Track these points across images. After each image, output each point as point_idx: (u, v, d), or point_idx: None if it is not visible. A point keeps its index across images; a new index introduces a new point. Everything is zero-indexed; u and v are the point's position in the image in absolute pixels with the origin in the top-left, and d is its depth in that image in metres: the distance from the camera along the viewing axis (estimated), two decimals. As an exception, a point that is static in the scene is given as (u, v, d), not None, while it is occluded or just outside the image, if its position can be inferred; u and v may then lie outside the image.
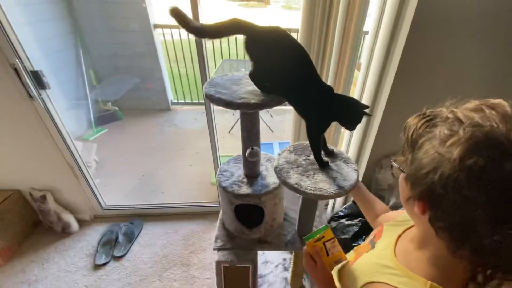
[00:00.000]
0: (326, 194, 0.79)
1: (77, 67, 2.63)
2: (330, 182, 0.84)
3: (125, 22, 2.73)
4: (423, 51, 1.12)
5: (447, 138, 0.36)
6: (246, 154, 0.95)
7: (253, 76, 0.85)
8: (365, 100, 1.32)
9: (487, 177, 0.33)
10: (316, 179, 0.85)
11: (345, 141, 1.50)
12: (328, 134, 1.37)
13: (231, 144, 2.60)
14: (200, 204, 1.88)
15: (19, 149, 1.47)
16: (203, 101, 3.37)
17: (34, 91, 1.27)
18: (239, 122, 0.95)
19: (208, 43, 2.99)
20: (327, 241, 0.59)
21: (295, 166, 0.91)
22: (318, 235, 0.59)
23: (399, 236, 0.54)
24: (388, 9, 1.11)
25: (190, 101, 3.37)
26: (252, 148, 0.95)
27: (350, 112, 0.78)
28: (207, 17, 1.25)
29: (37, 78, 1.27)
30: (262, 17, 9.35)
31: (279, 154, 0.97)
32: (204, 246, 1.64)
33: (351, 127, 0.79)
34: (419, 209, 0.41)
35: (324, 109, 0.79)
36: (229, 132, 2.74)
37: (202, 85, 0.93)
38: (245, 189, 0.99)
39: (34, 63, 1.28)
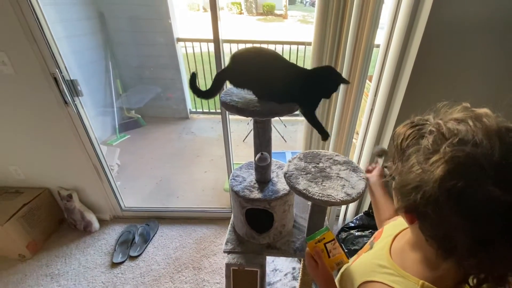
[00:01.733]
0: (333, 200, 0.82)
1: (106, 77, 2.84)
2: (338, 189, 0.86)
3: (151, 36, 2.94)
4: (435, 63, 1.13)
5: (430, 154, 0.37)
6: (256, 159, 1.00)
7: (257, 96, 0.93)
8: (376, 112, 1.33)
9: (465, 201, 0.33)
10: (324, 186, 0.88)
11: (357, 152, 1.51)
12: (340, 144, 1.39)
13: (244, 152, 2.66)
14: (213, 210, 1.93)
15: (51, 150, 1.61)
16: (219, 111, 3.49)
17: (69, 98, 1.40)
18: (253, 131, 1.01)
19: (226, 56, 3.13)
20: (328, 243, 0.61)
21: (304, 173, 0.94)
22: (319, 237, 0.62)
23: (396, 236, 0.56)
24: (399, 22, 1.14)
25: (207, 110, 3.50)
26: (262, 154, 0.99)
27: (326, 86, 0.87)
28: (228, 32, 1.34)
29: (73, 87, 1.41)
30: (280, 31, 9.58)
31: (290, 161, 1.00)
32: (215, 250, 1.68)
33: (330, 95, 0.89)
34: (407, 220, 0.43)
35: (308, 94, 0.87)
36: (243, 140, 2.81)
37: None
38: (256, 194, 1.03)
39: (70, 73, 1.42)
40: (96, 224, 1.84)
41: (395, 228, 0.58)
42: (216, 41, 1.31)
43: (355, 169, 0.95)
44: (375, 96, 1.31)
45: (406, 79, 1.16)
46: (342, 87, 1.24)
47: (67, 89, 1.39)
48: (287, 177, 0.92)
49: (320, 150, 1.06)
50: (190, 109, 3.46)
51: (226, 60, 1.44)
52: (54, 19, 2.00)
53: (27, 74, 1.33)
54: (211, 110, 3.49)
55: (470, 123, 0.37)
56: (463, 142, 0.35)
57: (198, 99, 3.50)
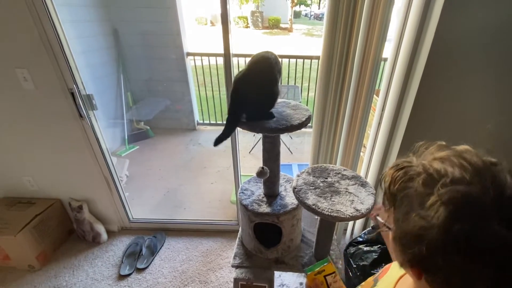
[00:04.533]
0: (342, 216, 0.82)
1: (117, 90, 2.93)
2: (347, 204, 0.86)
3: (162, 51, 3.04)
4: (442, 77, 1.13)
5: (424, 197, 0.35)
6: (256, 173, 1.01)
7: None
8: (384, 126, 1.34)
9: (475, 245, 0.31)
10: (333, 201, 0.88)
11: (365, 164, 1.51)
12: (348, 157, 1.39)
13: (251, 164, 2.67)
14: (219, 222, 1.93)
15: (65, 162, 1.65)
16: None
17: (84, 112, 1.46)
18: (259, 143, 1.03)
19: (235, 69, 3.21)
20: (328, 275, 0.59)
21: (313, 187, 0.95)
22: (318, 268, 0.59)
23: (401, 277, 0.52)
24: (407, 36, 1.16)
25: (214, 122, 3.55)
26: (263, 168, 1.00)
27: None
28: (235, 46, 1.39)
29: (89, 101, 1.47)
30: (286, 43, 9.76)
31: (298, 176, 1.01)
32: (221, 264, 1.67)
33: None
34: (414, 275, 0.39)
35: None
36: (249, 152, 2.83)
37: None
38: (264, 208, 1.04)
39: (86, 87, 1.48)
40: (104, 235, 1.86)
41: (401, 269, 0.55)
42: (227, 54, 1.35)
43: (363, 184, 0.96)
44: (382, 110, 1.33)
45: (414, 92, 1.17)
46: (350, 98, 1.26)
47: (82, 104, 1.44)
48: (296, 191, 0.93)
49: (328, 165, 1.07)
50: (197, 121, 3.52)
51: (235, 73, 1.48)
52: (72, 35, 2.10)
53: (47, 90, 1.40)
54: (218, 122, 3.54)
55: (456, 161, 0.36)
56: (455, 181, 0.34)
57: (205, 111, 3.56)
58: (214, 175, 2.57)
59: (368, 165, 1.48)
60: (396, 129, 1.30)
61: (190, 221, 1.95)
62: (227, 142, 1.69)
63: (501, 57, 1.09)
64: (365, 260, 1.21)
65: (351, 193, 0.91)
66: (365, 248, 1.31)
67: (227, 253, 1.73)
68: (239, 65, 3.23)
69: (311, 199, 0.88)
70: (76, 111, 1.45)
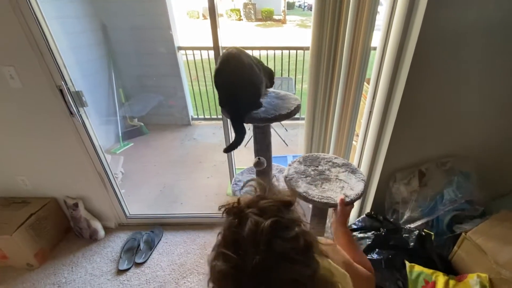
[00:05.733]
0: (332, 202, 0.84)
1: (109, 86, 2.90)
2: (337, 191, 0.88)
3: (152, 46, 3.00)
4: (432, 63, 1.14)
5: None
6: (253, 164, 1.02)
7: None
8: (375, 113, 1.35)
9: None
10: (324, 188, 0.90)
11: (357, 154, 1.53)
12: (340, 147, 1.41)
13: (247, 158, 2.66)
14: (217, 215, 1.94)
15: (58, 160, 1.64)
16: (221, 117, 3.53)
17: (74, 109, 1.44)
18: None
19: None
20: None
21: (304, 176, 0.96)
22: None
23: None
24: (395, 24, 1.17)
25: (209, 117, 3.54)
26: (259, 158, 1.02)
27: None
28: (228, 39, 1.38)
29: (78, 98, 1.46)
30: (279, 35, 9.68)
31: (290, 165, 1.03)
32: (219, 255, 1.69)
33: None
34: None
35: None
36: (245, 146, 2.83)
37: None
38: (257, 198, 1.06)
39: (75, 84, 1.46)
40: (101, 232, 1.87)
41: None
42: (216, 48, 1.34)
43: (354, 171, 0.97)
44: (373, 98, 1.34)
45: (404, 80, 1.18)
46: (340, 87, 1.26)
47: (72, 100, 1.43)
48: (287, 180, 0.94)
49: (320, 153, 1.08)
50: (192, 116, 3.50)
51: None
52: (59, 32, 2.06)
53: (34, 87, 1.38)
54: (213, 116, 3.54)
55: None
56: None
57: (199, 106, 3.54)
58: (210, 170, 2.58)
59: (360, 153, 1.50)
60: (388, 116, 1.32)
61: (187, 215, 1.97)
62: (221, 136, 1.68)
63: (489, 43, 1.10)
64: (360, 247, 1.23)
65: (341, 180, 0.93)
66: (359, 235, 1.33)
67: (224, 245, 1.75)
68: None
69: (302, 187, 0.90)
70: (66, 109, 1.43)
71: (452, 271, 1.15)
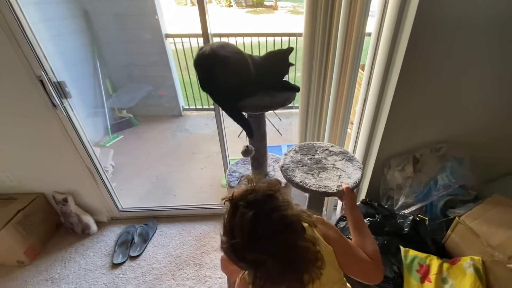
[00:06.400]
0: (330, 191, 0.82)
1: (94, 77, 2.78)
2: (334, 179, 0.87)
3: (138, 33, 2.87)
4: (427, 50, 1.12)
5: None
6: (241, 152, 0.99)
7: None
8: (370, 100, 1.33)
9: None
10: (321, 177, 0.88)
11: (352, 141, 1.52)
12: (335, 135, 1.39)
13: (240, 148, 2.65)
14: (211, 206, 1.93)
15: (43, 155, 1.57)
16: (213, 107, 3.46)
17: (57, 101, 1.37)
18: None
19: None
20: None
21: (301, 165, 0.94)
22: None
23: None
24: (389, 10, 1.14)
25: (200, 107, 3.47)
26: (247, 147, 0.98)
27: None
28: (218, 26, 1.32)
29: (60, 89, 1.38)
30: (270, 22, 9.46)
31: (285, 154, 1.00)
32: (215, 246, 1.69)
33: None
34: None
35: None
36: (238, 136, 2.80)
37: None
38: (253, 189, 1.03)
39: (57, 75, 1.38)
40: (94, 227, 1.83)
41: None
42: (205, 35, 1.28)
43: (350, 159, 0.96)
44: (368, 85, 1.31)
45: (399, 66, 1.16)
46: (334, 74, 1.23)
47: (54, 92, 1.35)
48: (284, 170, 0.92)
49: (316, 142, 1.06)
50: (183, 106, 3.42)
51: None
52: (36, 19, 1.93)
53: (11, 78, 1.29)
54: (204, 107, 3.46)
55: None
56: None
57: (190, 96, 3.46)
58: (203, 161, 2.54)
59: (355, 141, 1.49)
60: (383, 102, 1.30)
61: (181, 207, 1.94)
62: (214, 126, 1.63)
63: (488, 29, 1.09)
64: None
65: (338, 168, 0.91)
66: (354, 222, 1.34)
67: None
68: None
69: (298, 176, 0.88)
70: (48, 100, 1.36)
71: (446, 254, 1.18)
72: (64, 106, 1.43)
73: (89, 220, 1.81)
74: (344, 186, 0.81)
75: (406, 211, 1.33)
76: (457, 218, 1.12)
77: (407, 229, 1.21)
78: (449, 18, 1.05)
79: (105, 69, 2.93)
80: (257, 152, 0.99)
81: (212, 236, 1.76)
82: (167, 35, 2.92)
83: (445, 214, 1.26)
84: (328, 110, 1.33)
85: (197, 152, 2.70)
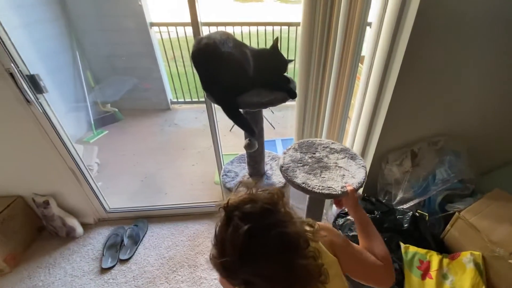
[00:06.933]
0: (334, 192, 0.77)
1: (74, 69, 2.59)
2: (338, 180, 0.82)
3: (120, 21, 2.68)
4: (429, 43, 1.09)
5: None
6: (243, 146, 0.93)
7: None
8: (370, 93, 1.29)
9: None
10: (324, 177, 0.83)
11: (350, 136, 1.48)
12: (333, 130, 1.34)
13: (233, 142, 2.57)
14: (205, 204, 1.86)
15: (19, 154, 1.45)
16: (203, 100, 3.33)
17: (31, 96, 1.24)
18: None
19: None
20: None
21: (301, 164, 0.88)
22: None
23: None
24: (391, 1, 1.07)
25: (189, 100, 3.34)
26: (249, 140, 0.92)
27: None
28: (205, 15, 1.22)
29: (34, 82, 1.25)
30: (258, 12, 9.22)
31: (284, 153, 0.94)
32: (210, 246, 1.62)
33: None
34: None
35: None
36: (230, 130, 2.71)
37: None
38: (250, 190, 0.97)
39: (30, 67, 1.25)
40: (79, 229, 1.73)
41: None
42: (195, 24, 1.18)
43: (353, 157, 0.91)
44: (368, 78, 1.26)
45: (400, 58, 1.11)
46: (334, 67, 1.17)
47: (27, 86, 1.22)
48: (284, 170, 0.86)
49: (316, 139, 1.01)
50: (171, 100, 3.28)
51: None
52: (2, 5, 1.75)
53: (-22, 72, 1.15)
54: (194, 100, 3.34)
55: None
56: None
57: (178, 89, 3.32)
58: (194, 157, 2.45)
59: (354, 136, 1.45)
60: (382, 97, 1.25)
61: (173, 206, 1.87)
62: (205, 120, 1.55)
63: (490, 20, 1.05)
64: (354, 231, 1.21)
65: (341, 167, 0.87)
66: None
67: (214, 235, 1.69)
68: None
69: (300, 177, 0.82)
70: (21, 96, 1.23)
71: (444, 249, 1.17)
72: (40, 102, 1.30)
73: (74, 222, 1.70)
74: (348, 187, 0.76)
75: (405, 206, 1.32)
76: (457, 213, 1.11)
77: (406, 225, 1.20)
78: (453, 11, 1.01)
79: (85, 60, 2.74)
80: (254, 151, 0.93)
81: (206, 235, 1.70)
82: (152, 24, 2.75)
83: (443, 209, 1.26)
84: (327, 103, 1.28)
85: (187, 147, 2.60)
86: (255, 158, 0.95)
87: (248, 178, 0.97)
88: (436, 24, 1.03)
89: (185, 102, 3.34)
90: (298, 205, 1.21)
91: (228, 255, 0.49)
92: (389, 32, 1.11)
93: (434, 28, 1.04)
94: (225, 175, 1.05)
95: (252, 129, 0.84)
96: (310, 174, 0.84)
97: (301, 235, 0.53)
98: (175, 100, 3.32)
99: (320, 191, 0.78)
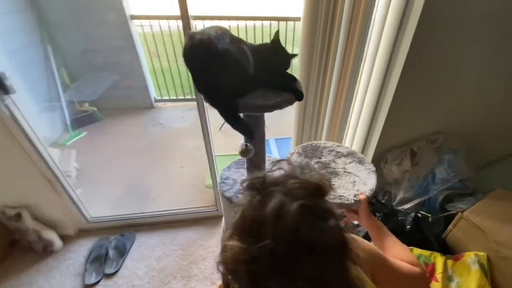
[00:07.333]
0: (347, 202, 0.71)
1: (46, 66, 2.37)
2: (349, 187, 0.76)
3: (97, 13, 2.48)
4: (433, 41, 1.05)
5: None
6: (238, 152, 0.84)
7: None
8: (371, 91, 1.24)
9: None
10: (334, 184, 0.77)
11: (350, 135, 1.43)
12: (334, 130, 1.29)
13: (222, 142, 2.47)
14: (196, 210, 1.76)
15: (-17, 164, 1.28)
16: (189, 97, 3.19)
17: (-5, 98, 1.08)
18: None
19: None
20: None
21: (307, 171, 0.82)
22: None
23: None
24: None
25: (174, 98, 3.18)
26: (246, 145, 0.84)
27: None
28: (197, 7, 1.11)
29: (-2, 82, 1.09)
30: (251, 5, 8.89)
31: (288, 158, 0.87)
32: (204, 254, 1.54)
33: None
34: None
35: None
36: (219, 129, 2.60)
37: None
38: (252, 198, 0.90)
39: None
40: (58, 242, 1.57)
41: None
42: (185, 17, 1.07)
43: (361, 161, 0.86)
44: (369, 76, 1.21)
45: (403, 55, 1.07)
46: (336, 64, 1.11)
47: (-11, 86, 1.06)
48: (290, 178, 0.80)
49: (320, 142, 0.94)
50: (154, 97, 3.11)
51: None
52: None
53: None
54: (179, 97, 3.18)
55: None
56: None
57: (162, 85, 3.15)
58: (182, 158, 2.32)
59: (353, 135, 1.40)
60: (383, 95, 1.21)
61: (161, 212, 1.75)
62: (191, 119, 1.41)
63: (496, 19, 1.03)
64: (359, 233, 1.17)
65: (351, 173, 0.81)
66: (356, 222, 1.28)
67: (209, 242, 1.60)
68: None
69: (308, 185, 0.76)
70: (-18, 97, 1.07)
71: (446, 249, 1.16)
72: (6, 104, 1.15)
73: (51, 235, 1.55)
74: (361, 195, 0.70)
75: (405, 207, 1.29)
76: (460, 213, 1.10)
77: (409, 226, 1.17)
78: (458, 9, 0.98)
79: (59, 56, 2.51)
80: (255, 156, 0.85)
81: (199, 243, 1.60)
82: (133, 17, 2.57)
83: (443, 209, 1.24)
84: (328, 102, 1.21)
85: (174, 148, 2.47)
86: (256, 163, 0.87)
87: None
88: (440, 22, 1.00)
89: (170, 100, 3.18)
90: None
91: (267, 239, 0.33)
92: (392, 29, 1.06)
93: (438, 26, 1.01)
94: (223, 182, 0.97)
95: (252, 133, 0.75)
96: (318, 181, 0.78)
97: (353, 243, 0.39)
98: (159, 98, 3.16)
99: (332, 201, 0.72)
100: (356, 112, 1.32)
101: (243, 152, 0.83)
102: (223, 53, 0.62)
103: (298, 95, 0.71)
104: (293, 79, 0.76)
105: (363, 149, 1.40)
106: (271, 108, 0.68)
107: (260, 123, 0.81)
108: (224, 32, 0.67)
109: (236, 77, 0.65)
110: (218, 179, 1.63)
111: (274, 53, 0.69)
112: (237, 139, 2.31)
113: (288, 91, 0.71)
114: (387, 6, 1.04)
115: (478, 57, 1.13)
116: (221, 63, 0.62)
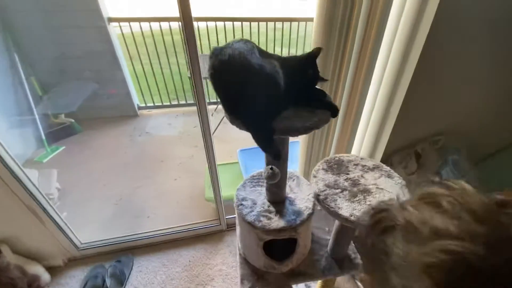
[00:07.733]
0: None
1: (13, 75, 2.12)
2: (385, 206, 0.72)
3: (70, 16, 2.26)
4: (444, 45, 1.04)
5: (408, 260, 0.27)
6: (264, 176, 0.79)
7: None
8: (381, 96, 1.22)
9: None
10: (369, 204, 0.73)
11: (357, 142, 1.41)
12: (344, 137, 1.25)
13: (216, 148, 2.36)
14: (197, 226, 1.66)
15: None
16: (175, 103, 3.03)
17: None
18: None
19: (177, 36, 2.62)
20: None
21: (339, 190, 0.76)
22: None
23: None
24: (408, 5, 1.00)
25: (160, 104, 3.01)
26: (271, 168, 0.78)
27: None
28: (199, 9, 1.01)
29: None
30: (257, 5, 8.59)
31: (315, 176, 0.81)
32: (211, 274, 1.45)
33: None
34: None
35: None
36: (212, 134, 2.49)
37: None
38: (276, 222, 0.83)
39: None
40: (45, 276, 1.41)
41: None
42: (187, 18, 0.96)
43: (390, 175, 0.82)
44: (381, 79, 1.18)
45: (415, 59, 1.05)
46: (351, 66, 1.06)
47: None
48: (322, 200, 0.74)
49: (342, 155, 0.90)
50: (138, 105, 2.92)
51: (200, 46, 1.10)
52: None
53: None
54: (165, 103, 3.02)
55: (447, 206, 0.28)
56: (441, 235, 0.26)
57: (146, 92, 2.97)
58: (176, 169, 2.19)
59: (362, 140, 1.38)
60: (392, 99, 1.19)
61: (159, 231, 1.62)
62: (180, 126, 1.28)
63: (493, 18, 1.04)
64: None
65: (383, 189, 0.77)
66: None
67: (215, 260, 1.51)
68: (200, 34, 2.63)
69: (344, 207, 0.71)
70: None
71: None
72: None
73: (37, 269, 1.38)
74: None
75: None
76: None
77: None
78: (473, 10, 0.97)
79: (28, 64, 2.26)
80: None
81: (204, 262, 1.51)
82: (110, 19, 2.37)
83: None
84: (340, 105, 1.17)
85: (166, 159, 2.32)
86: (277, 183, 0.80)
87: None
88: (453, 29, 0.99)
89: (155, 107, 3.00)
90: (315, 224, 1.10)
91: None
92: (406, 32, 1.03)
93: (449, 31, 1.00)
94: (241, 204, 0.89)
95: (280, 155, 0.69)
96: (353, 202, 0.72)
97: None
98: (143, 105, 2.97)
99: (371, 223, 0.68)
100: (365, 117, 1.30)
101: (270, 177, 0.76)
102: (258, 69, 0.54)
103: (334, 111, 0.65)
104: (323, 93, 0.70)
105: (371, 154, 1.38)
106: (309, 130, 0.61)
107: (286, 141, 0.75)
108: (253, 46, 0.59)
109: (271, 95, 0.58)
110: (221, 192, 1.55)
111: (306, 67, 0.63)
112: (233, 145, 2.21)
113: (322, 107, 0.65)
114: (400, 15, 1.01)
115: (482, 57, 1.14)
116: (256, 80, 0.54)
